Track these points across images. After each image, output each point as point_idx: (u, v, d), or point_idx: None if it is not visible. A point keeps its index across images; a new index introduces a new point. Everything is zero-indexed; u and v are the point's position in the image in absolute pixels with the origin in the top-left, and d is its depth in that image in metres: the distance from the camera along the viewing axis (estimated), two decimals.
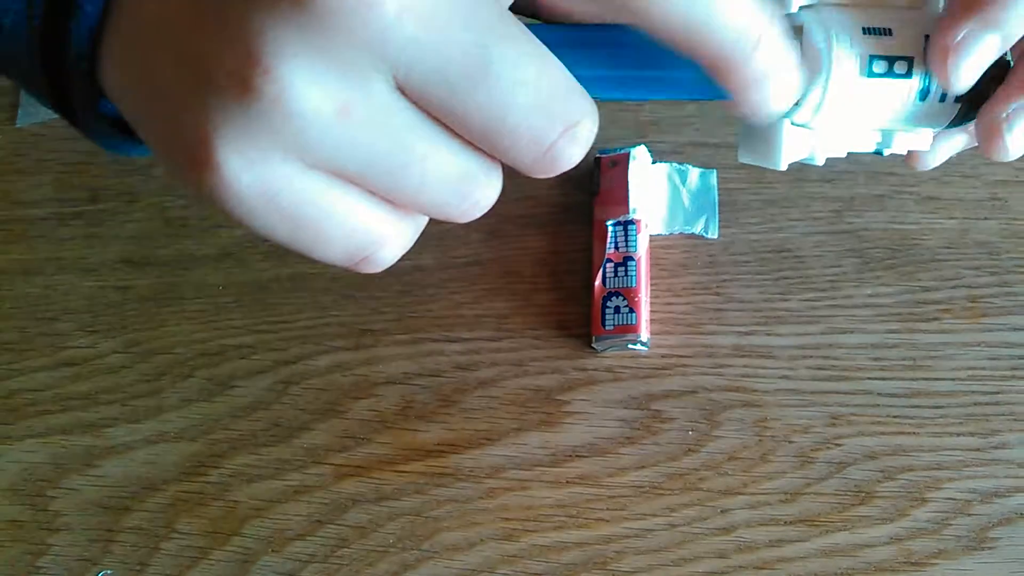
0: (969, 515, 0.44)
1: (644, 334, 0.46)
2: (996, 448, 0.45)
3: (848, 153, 0.33)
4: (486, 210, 0.27)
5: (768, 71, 0.25)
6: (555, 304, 0.49)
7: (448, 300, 0.49)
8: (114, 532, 0.47)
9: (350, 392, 0.48)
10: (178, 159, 0.25)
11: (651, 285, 0.48)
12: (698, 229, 0.49)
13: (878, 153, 0.33)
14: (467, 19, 0.23)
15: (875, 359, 0.46)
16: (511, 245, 0.50)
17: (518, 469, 0.46)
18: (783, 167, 0.31)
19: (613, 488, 0.45)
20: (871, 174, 0.50)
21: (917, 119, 0.31)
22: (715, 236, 0.49)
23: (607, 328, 0.47)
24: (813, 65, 0.29)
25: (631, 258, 0.47)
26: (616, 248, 0.47)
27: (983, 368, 0.46)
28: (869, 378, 0.46)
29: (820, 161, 0.32)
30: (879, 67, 0.29)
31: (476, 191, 0.26)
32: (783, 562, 0.44)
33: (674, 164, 0.50)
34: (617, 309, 0.47)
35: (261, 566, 0.45)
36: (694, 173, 0.50)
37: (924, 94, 0.30)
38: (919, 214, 0.49)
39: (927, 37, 0.29)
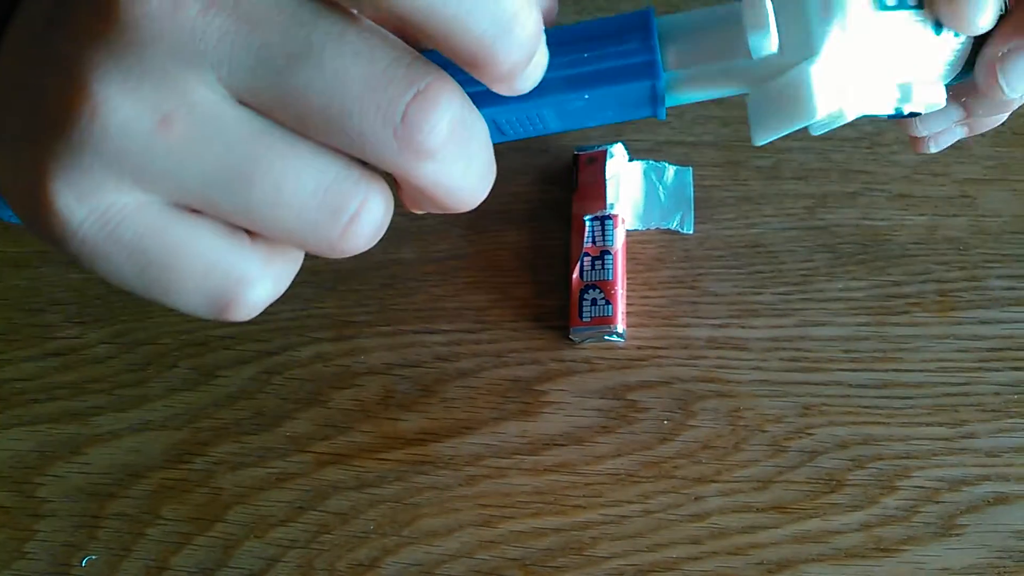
0: (937, 503, 0.45)
1: (620, 326, 0.47)
2: (964, 438, 0.46)
3: (870, 115, 0.30)
4: (374, 229, 0.24)
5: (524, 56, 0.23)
6: (533, 297, 0.50)
7: (429, 293, 0.50)
8: (99, 518, 0.47)
9: (332, 382, 0.49)
10: (22, 203, 0.24)
11: (627, 278, 0.49)
12: (674, 224, 0.50)
13: (898, 114, 0.31)
14: (277, 3, 0.22)
15: (846, 351, 0.47)
16: (490, 240, 0.51)
17: (497, 457, 0.47)
18: (819, 116, 0.28)
19: (590, 476, 0.46)
20: (843, 172, 0.51)
21: (934, 61, 0.29)
22: (690, 231, 0.50)
23: (584, 320, 0.48)
24: (823, 11, 0.27)
25: (608, 252, 0.48)
26: (593, 242, 0.48)
27: (952, 360, 0.47)
28: (840, 369, 0.47)
29: (850, 116, 0.29)
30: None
31: (350, 201, 0.24)
32: (756, 548, 0.44)
33: (651, 161, 0.51)
34: (594, 301, 0.48)
35: (244, 551, 0.46)
36: (670, 170, 0.51)
37: (938, 26, 0.28)
38: (890, 211, 0.50)
39: None
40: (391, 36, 0.23)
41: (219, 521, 0.47)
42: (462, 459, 0.47)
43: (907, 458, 0.45)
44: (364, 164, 0.24)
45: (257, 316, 0.49)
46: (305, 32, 0.22)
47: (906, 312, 0.48)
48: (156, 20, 0.21)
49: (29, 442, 0.49)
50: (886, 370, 0.47)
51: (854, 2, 0.28)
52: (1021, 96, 0.31)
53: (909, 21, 0.28)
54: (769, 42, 0.28)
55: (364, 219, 0.24)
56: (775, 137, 0.29)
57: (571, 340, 0.48)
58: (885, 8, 0.28)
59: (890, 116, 0.31)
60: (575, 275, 0.48)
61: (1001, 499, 0.44)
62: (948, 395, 0.46)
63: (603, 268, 0.48)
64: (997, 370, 0.47)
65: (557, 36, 0.27)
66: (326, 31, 0.22)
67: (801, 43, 0.28)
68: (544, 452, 0.47)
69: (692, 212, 0.50)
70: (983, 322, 0.48)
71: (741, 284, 0.49)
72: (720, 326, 0.48)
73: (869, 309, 0.48)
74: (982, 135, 0.50)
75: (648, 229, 0.50)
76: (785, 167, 0.51)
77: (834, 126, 0.29)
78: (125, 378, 0.50)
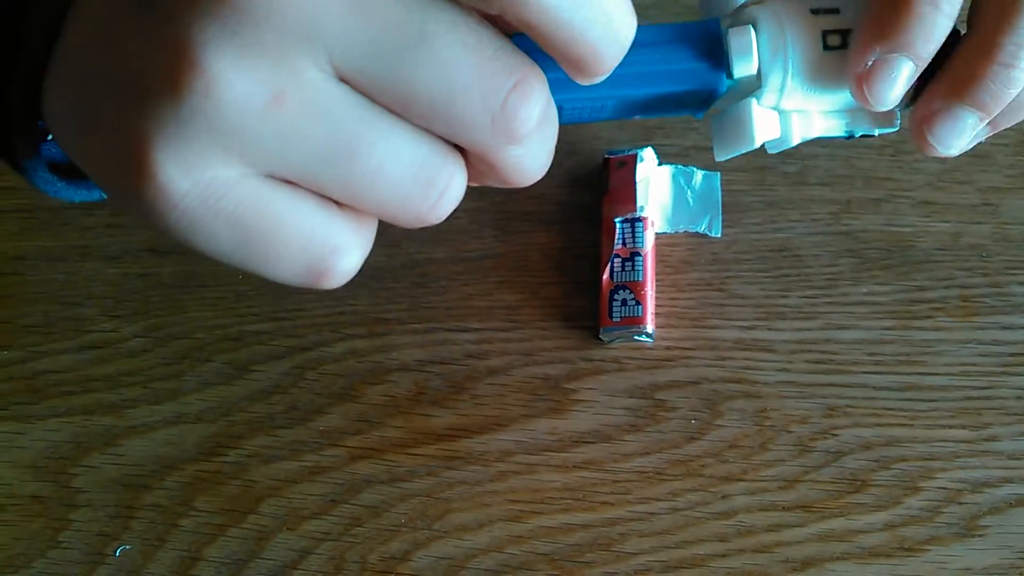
0: (960, 504, 0.45)
1: (650, 326, 0.48)
2: (987, 440, 0.46)
3: (820, 137, 0.34)
4: (455, 203, 0.26)
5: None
6: (563, 297, 0.51)
7: (460, 292, 0.51)
8: (133, 509, 0.48)
9: (365, 378, 0.50)
10: (117, 177, 0.24)
11: (657, 280, 0.50)
12: (702, 228, 0.51)
13: (849, 136, 0.34)
14: None
15: (871, 354, 0.48)
16: (522, 240, 0.52)
17: (526, 454, 0.48)
18: (757, 144, 0.32)
19: (618, 473, 0.47)
20: (868, 178, 0.52)
21: None
22: (718, 235, 0.51)
23: (614, 320, 0.48)
24: (772, 49, 0.30)
25: (638, 254, 0.49)
26: (624, 244, 0.49)
27: (974, 364, 0.48)
28: (865, 372, 0.48)
29: (794, 142, 0.33)
30: (833, 40, 0.30)
31: (440, 178, 0.25)
32: (781, 546, 0.45)
33: (679, 166, 0.52)
34: (624, 302, 0.48)
35: (276, 543, 0.47)
36: (698, 175, 0.52)
37: None
38: (914, 217, 0.51)
39: None
40: (489, 24, 0.24)
41: (252, 513, 0.48)
42: (492, 455, 0.48)
43: (930, 460, 0.46)
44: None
45: (291, 312, 0.50)
46: (419, 20, 0.22)
47: (930, 317, 0.49)
48: (276, 1, 0.21)
49: (64, 433, 0.50)
50: (910, 373, 0.48)
51: (799, 43, 0.30)
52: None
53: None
54: (750, 66, 0.30)
55: (452, 193, 0.25)
56: (731, 156, 0.33)
57: (600, 340, 0.49)
58: (828, 49, 0.30)
59: (843, 137, 0.34)
60: (605, 276, 0.49)
61: (1023, 501, 0.45)
62: (970, 398, 0.47)
63: (633, 269, 0.49)
64: (1019, 374, 0.47)
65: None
66: (438, 20, 0.22)
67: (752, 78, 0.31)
68: (573, 449, 0.48)
69: (720, 216, 0.51)
70: (1005, 327, 0.48)
71: (768, 287, 0.50)
72: (747, 328, 0.49)
73: (893, 313, 0.49)
74: (1005, 144, 0.51)
75: (677, 232, 0.51)
76: (811, 173, 0.52)
77: (786, 148, 0.33)
78: (160, 371, 0.51)
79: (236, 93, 0.22)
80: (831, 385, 0.48)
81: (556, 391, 0.49)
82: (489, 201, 0.53)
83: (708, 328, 0.49)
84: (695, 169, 0.52)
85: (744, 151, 0.32)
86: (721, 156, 0.33)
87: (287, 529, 0.47)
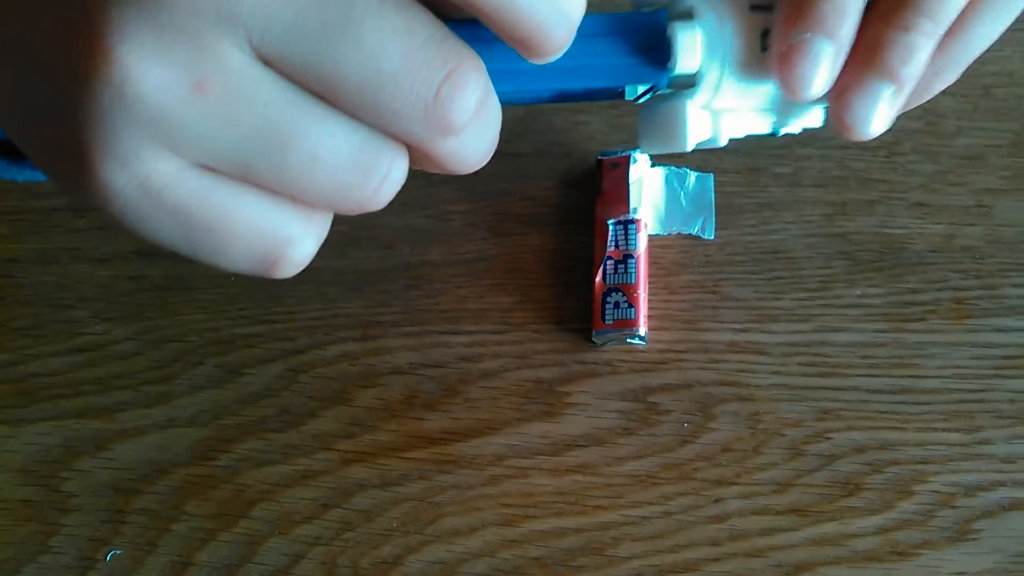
0: (953, 507, 0.45)
1: (642, 329, 0.48)
2: (980, 444, 0.46)
3: (747, 135, 0.33)
4: (398, 186, 0.25)
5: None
6: (556, 299, 0.50)
7: (453, 294, 0.51)
8: (124, 513, 0.48)
9: (357, 381, 0.50)
10: (62, 171, 0.24)
11: (649, 282, 0.49)
12: (695, 230, 0.51)
13: (774, 134, 0.33)
14: None
15: (864, 357, 0.48)
16: (514, 242, 0.52)
17: (519, 457, 0.48)
18: (689, 148, 0.31)
19: (611, 477, 0.47)
20: (862, 180, 0.52)
21: None
22: (711, 237, 0.51)
23: (607, 323, 0.48)
24: (711, 46, 0.30)
25: (631, 256, 0.49)
26: (616, 246, 0.49)
27: (968, 367, 0.48)
28: (858, 375, 0.48)
29: (723, 142, 0.32)
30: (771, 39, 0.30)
31: (380, 163, 0.24)
32: (774, 550, 0.45)
33: (672, 167, 0.52)
34: (617, 304, 0.48)
35: (268, 548, 0.47)
36: (692, 176, 0.52)
37: None
38: (907, 219, 0.51)
39: None
40: (423, 8, 0.23)
41: (244, 518, 0.47)
42: (485, 459, 0.48)
43: (923, 463, 0.46)
44: None
45: (283, 315, 0.50)
46: (345, 2, 0.21)
47: (923, 319, 0.49)
48: None
49: (55, 437, 0.50)
50: (903, 376, 0.48)
51: (738, 42, 0.30)
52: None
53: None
54: (694, 63, 0.30)
55: (393, 176, 0.25)
56: (656, 152, 0.33)
57: (593, 342, 0.49)
58: (766, 49, 0.30)
59: (769, 135, 0.33)
60: (598, 278, 0.49)
61: (1016, 505, 0.45)
62: (964, 401, 0.47)
63: (626, 272, 0.49)
64: (1012, 377, 0.47)
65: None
66: (365, 3, 0.21)
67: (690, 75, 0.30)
68: (566, 453, 0.48)
69: (713, 218, 0.51)
70: (999, 330, 0.48)
71: (761, 289, 0.50)
72: (740, 330, 0.49)
73: (886, 316, 0.49)
74: (998, 145, 0.51)
75: (670, 234, 0.51)
76: (805, 175, 0.52)
77: (712, 147, 0.32)
78: (151, 375, 0.51)
79: (154, 82, 0.21)
80: (824, 388, 0.48)
81: (549, 394, 0.49)
82: (482, 203, 0.53)
83: (701, 331, 0.49)
84: (688, 171, 0.52)
85: (674, 151, 0.31)
86: (648, 151, 0.33)
87: (279, 533, 0.47)
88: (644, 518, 0.46)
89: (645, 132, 0.33)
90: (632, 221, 0.49)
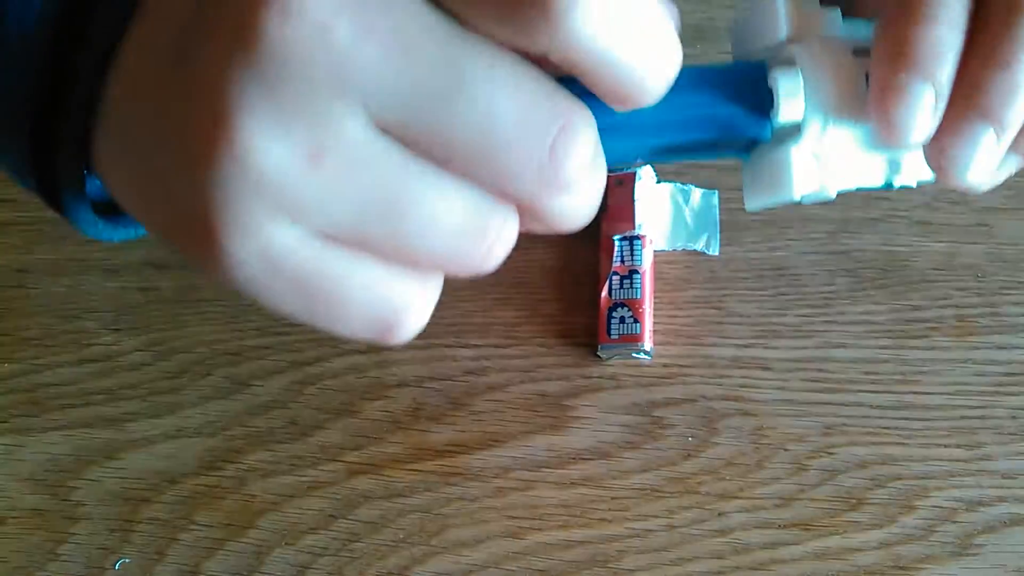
0: (955, 522, 0.46)
1: (647, 344, 0.48)
2: (981, 459, 0.47)
3: (858, 188, 0.31)
4: (509, 248, 0.25)
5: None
6: (562, 314, 0.51)
7: (459, 308, 0.52)
8: (133, 522, 0.48)
9: (364, 393, 0.50)
10: (181, 240, 0.24)
11: (655, 298, 0.50)
12: (700, 246, 0.51)
13: (888, 186, 0.31)
14: (429, 33, 0.21)
15: (867, 373, 0.49)
16: (521, 258, 0.52)
17: (524, 470, 0.48)
18: (797, 196, 0.29)
19: (615, 490, 0.47)
20: (865, 198, 0.52)
21: None
22: (716, 253, 0.51)
23: (612, 337, 0.49)
24: (813, 93, 0.28)
25: (636, 271, 0.49)
26: (622, 262, 0.50)
27: (969, 384, 0.48)
28: (861, 391, 0.48)
29: (831, 194, 0.30)
30: None
31: (491, 224, 0.24)
32: (777, 564, 0.45)
33: (677, 184, 0.53)
34: (622, 319, 0.49)
35: (275, 558, 0.47)
36: (696, 193, 0.52)
37: None
38: (910, 237, 0.51)
39: None
40: (531, 64, 0.23)
41: (251, 528, 0.48)
42: (490, 471, 0.48)
43: (925, 478, 0.47)
44: None
45: (291, 327, 0.50)
46: (457, 65, 0.21)
47: (925, 336, 0.49)
48: (303, 44, 0.21)
49: (65, 446, 0.50)
50: (905, 392, 0.48)
51: (840, 85, 0.28)
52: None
53: None
54: (798, 111, 0.28)
55: (505, 238, 0.24)
56: (764, 207, 0.30)
57: (599, 357, 0.49)
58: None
59: (881, 188, 0.31)
60: (604, 293, 0.49)
61: (1017, 520, 0.45)
62: (965, 418, 0.47)
63: (631, 287, 0.49)
64: (1013, 394, 0.48)
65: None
66: (476, 63, 0.22)
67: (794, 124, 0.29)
68: (571, 466, 0.48)
69: (718, 234, 0.51)
70: (1000, 347, 0.49)
71: (765, 306, 0.50)
72: (744, 346, 0.49)
73: (889, 332, 0.49)
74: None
75: (675, 250, 0.52)
76: None
77: (821, 199, 0.30)
78: (160, 385, 0.51)
79: (275, 155, 0.21)
80: (827, 404, 0.48)
81: (554, 408, 0.49)
82: None
83: (705, 346, 0.50)
84: (693, 187, 0.52)
85: (781, 202, 0.29)
86: (753, 206, 0.31)
87: (286, 544, 0.47)
88: (649, 531, 0.46)
89: (750, 186, 0.31)
90: (637, 237, 0.50)
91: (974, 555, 0.45)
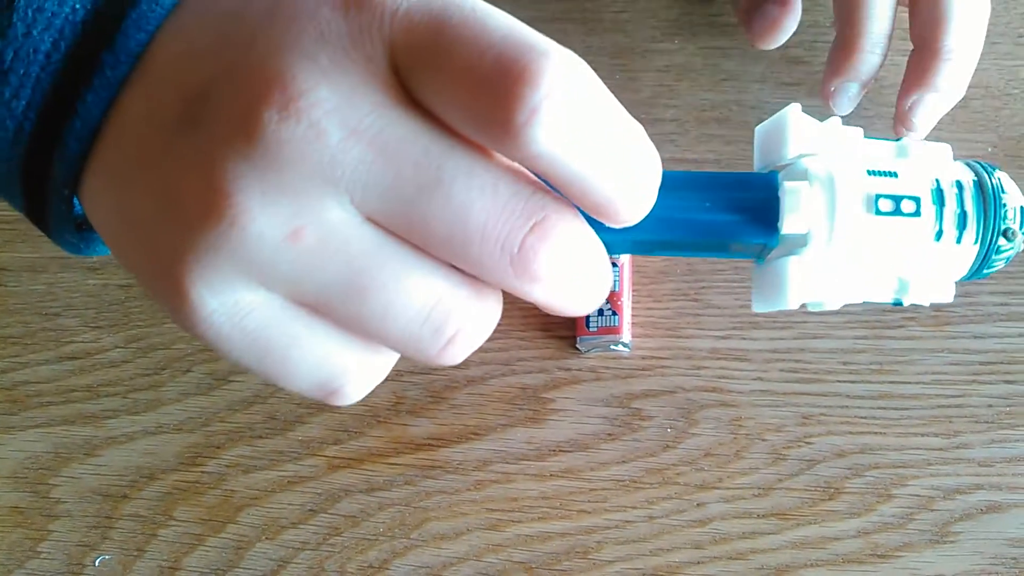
0: (932, 511, 0.46)
1: (626, 336, 0.49)
2: (958, 448, 0.47)
3: (865, 302, 0.31)
4: (468, 349, 0.26)
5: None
6: None
7: None
8: (113, 519, 0.48)
9: None
10: (151, 284, 0.26)
11: (633, 291, 0.50)
12: None
13: (898, 304, 0.32)
14: (412, 136, 0.23)
15: (844, 363, 0.49)
16: None
17: (504, 463, 0.48)
18: (792, 306, 0.30)
19: (595, 481, 0.48)
20: None
21: (934, 264, 0.30)
22: None
23: (591, 330, 0.49)
24: (820, 207, 0.29)
25: (615, 264, 0.49)
26: None
27: (946, 373, 0.48)
28: (839, 381, 0.49)
29: (833, 306, 0.30)
30: (885, 205, 0.29)
31: (448, 324, 0.25)
32: (756, 553, 0.46)
33: None
34: (600, 312, 0.49)
35: (255, 553, 0.47)
36: None
37: (939, 235, 0.30)
38: None
39: (937, 181, 0.30)
40: (515, 166, 0.24)
41: (231, 523, 0.48)
42: (470, 464, 0.48)
43: (903, 467, 0.47)
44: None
45: None
46: (436, 165, 0.23)
47: (902, 326, 0.49)
48: (298, 144, 0.23)
49: (44, 444, 0.50)
50: (882, 382, 0.48)
51: (846, 203, 0.29)
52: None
53: (904, 226, 0.29)
54: (800, 224, 0.29)
55: (460, 341, 0.25)
56: (768, 311, 0.31)
57: (578, 349, 0.49)
58: (879, 214, 0.29)
59: (892, 305, 0.32)
60: None
61: (994, 507, 0.46)
62: (942, 407, 0.48)
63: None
64: (990, 383, 0.48)
65: (684, 179, 0.29)
66: (455, 165, 0.23)
67: (800, 236, 0.30)
68: (550, 458, 0.48)
69: None
70: (976, 336, 0.49)
71: (743, 297, 0.50)
72: (722, 337, 0.50)
73: (866, 323, 0.50)
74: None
75: None
76: None
77: (827, 310, 0.30)
78: (140, 382, 0.51)
79: (257, 227, 0.23)
80: (805, 394, 0.48)
81: (533, 400, 0.49)
82: None
83: (684, 338, 0.50)
84: None
85: (781, 308, 0.30)
86: (759, 308, 0.32)
87: (266, 539, 0.47)
88: (627, 522, 0.47)
89: (756, 289, 0.32)
90: None
91: (952, 542, 0.45)
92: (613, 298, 0.49)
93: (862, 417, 0.48)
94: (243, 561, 0.47)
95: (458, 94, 0.23)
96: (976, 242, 0.30)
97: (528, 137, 0.22)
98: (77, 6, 0.25)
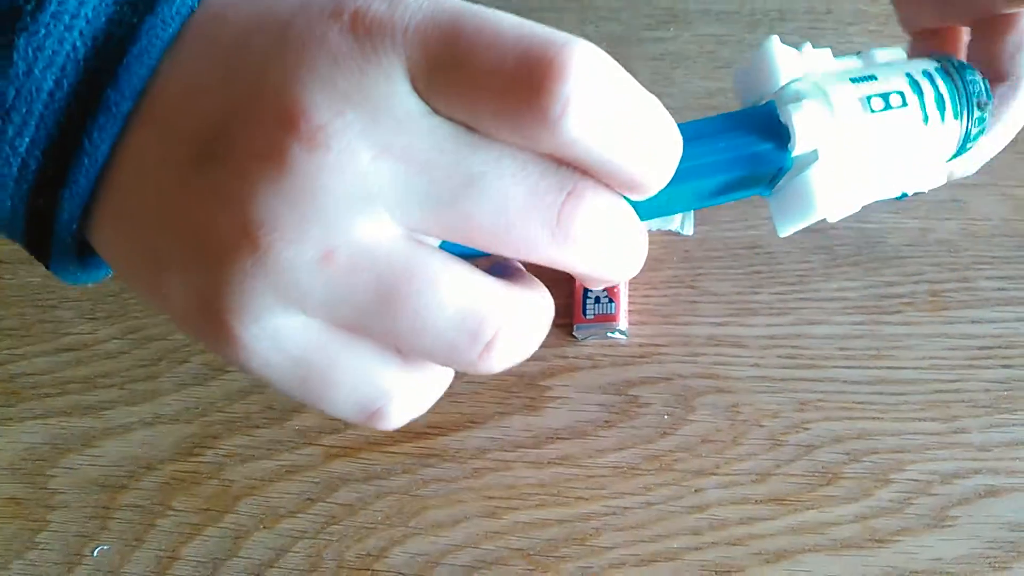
0: (930, 495, 0.46)
1: (623, 323, 0.49)
2: (956, 432, 0.47)
3: (875, 201, 0.34)
4: (509, 355, 0.26)
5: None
6: None
7: None
8: (111, 509, 0.48)
9: None
10: (191, 321, 0.26)
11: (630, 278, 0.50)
12: (674, 226, 0.52)
13: (903, 196, 0.35)
14: (439, 144, 0.23)
15: (841, 349, 0.49)
16: None
17: (502, 451, 0.48)
18: (821, 214, 0.32)
19: (592, 468, 0.47)
20: None
21: (926, 148, 0.33)
22: (691, 233, 0.52)
23: (588, 317, 0.49)
24: (824, 120, 0.31)
25: None
26: None
27: (943, 358, 0.48)
28: (836, 366, 0.49)
29: (855, 207, 0.33)
30: (877, 104, 0.32)
31: (486, 329, 0.25)
32: (753, 539, 0.46)
33: None
34: (597, 299, 0.49)
35: (253, 542, 0.47)
36: None
37: (926, 119, 0.32)
38: (884, 214, 0.52)
39: (908, 75, 0.32)
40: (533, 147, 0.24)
41: (229, 512, 0.48)
42: (468, 452, 0.48)
43: (900, 452, 0.47)
44: (510, 282, 0.26)
45: None
46: (466, 164, 0.24)
47: (899, 311, 0.49)
48: (331, 170, 0.23)
49: (42, 435, 0.50)
50: (880, 367, 0.48)
51: (844, 110, 0.31)
52: None
53: (897, 118, 0.32)
54: (813, 140, 0.31)
55: (499, 346, 0.25)
56: (795, 230, 0.33)
57: (574, 337, 0.49)
58: (874, 112, 0.32)
59: (897, 199, 0.35)
60: None
61: (991, 492, 0.46)
62: (940, 391, 0.48)
63: None
64: (987, 367, 0.48)
65: (690, 130, 0.29)
66: (483, 159, 0.24)
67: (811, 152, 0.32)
68: (548, 446, 0.48)
69: (692, 214, 0.52)
70: (974, 321, 0.49)
71: (740, 284, 0.50)
72: (719, 324, 0.50)
73: (863, 308, 0.50)
74: None
75: (649, 231, 0.52)
76: None
77: (846, 215, 0.33)
78: (137, 373, 0.51)
79: (291, 254, 0.23)
80: (802, 380, 0.48)
81: (531, 388, 0.49)
82: None
83: (681, 325, 0.50)
84: None
85: (808, 222, 0.32)
86: (784, 231, 0.33)
87: (264, 528, 0.47)
88: (625, 508, 0.47)
89: (778, 214, 0.33)
90: None
91: (950, 527, 0.45)
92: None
93: (859, 403, 0.48)
94: (241, 550, 0.47)
95: (484, 98, 0.23)
96: (957, 116, 0.33)
97: (563, 128, 0.22)
98: (78, 44, 0.25)
